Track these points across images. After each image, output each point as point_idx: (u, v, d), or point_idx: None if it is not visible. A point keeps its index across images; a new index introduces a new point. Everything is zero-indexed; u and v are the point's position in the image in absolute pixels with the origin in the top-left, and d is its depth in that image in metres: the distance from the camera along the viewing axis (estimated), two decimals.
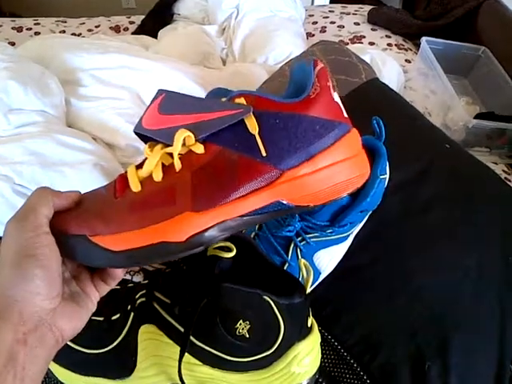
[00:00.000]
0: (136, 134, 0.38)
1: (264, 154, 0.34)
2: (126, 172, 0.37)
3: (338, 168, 0.37)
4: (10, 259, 0.30)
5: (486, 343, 0.52)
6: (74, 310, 0.33)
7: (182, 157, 0.35)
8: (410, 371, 0.49)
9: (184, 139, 0.34)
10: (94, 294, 0.36)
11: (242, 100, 0.36)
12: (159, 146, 0.36)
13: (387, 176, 0.54)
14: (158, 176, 0.35)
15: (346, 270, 0.55)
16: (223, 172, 0.34)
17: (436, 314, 0.51)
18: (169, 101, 0.38)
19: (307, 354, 0.43)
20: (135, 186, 0.35)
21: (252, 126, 0.35)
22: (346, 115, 0.38)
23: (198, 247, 0.34)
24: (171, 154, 0.35)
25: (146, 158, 0.36)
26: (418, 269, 0.54)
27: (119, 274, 0.37)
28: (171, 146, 0.34)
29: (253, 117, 0.35)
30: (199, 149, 0.35)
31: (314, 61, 0.37)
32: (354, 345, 0.52)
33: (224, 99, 0.37)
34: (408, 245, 0.56)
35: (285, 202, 0.36)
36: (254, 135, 0.35)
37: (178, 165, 0.35)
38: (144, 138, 0.38)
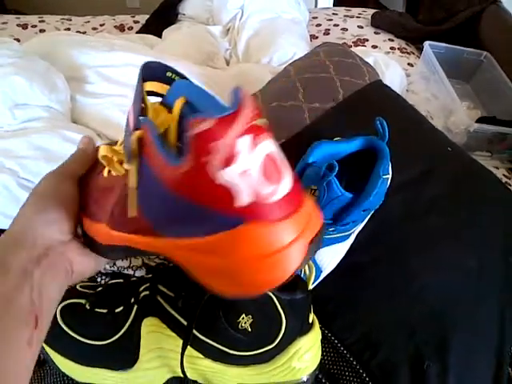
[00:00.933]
0: None
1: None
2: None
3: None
4: (34, 198, 0.34)
5: (485, 344, 0.52)
6: (84, 250, 0.36)
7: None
8: (410, 370, 0.50)
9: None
10: None
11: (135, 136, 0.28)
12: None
13: (389, 176, 0.55)
14: (105, 171, 0.34)
15: (348, 269, 0.55)
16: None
17: (436, 313, 0.52)
18: None
19: (308, 350, 0.43)
20: (105, 171, 0.34)
21: (131, 180, 0.30)
22: (240, 204, 0.25)
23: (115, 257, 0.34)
24: None
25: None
26: (420, 269, 0.54)
27: None
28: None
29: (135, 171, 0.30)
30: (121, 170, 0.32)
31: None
32: (354, 343, 0.52)
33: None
34: (410, 245, 0.56)
35: None
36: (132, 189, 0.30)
37: (116, 171, 0.32)
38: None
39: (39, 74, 0.69)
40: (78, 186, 0.36)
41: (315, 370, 0.45)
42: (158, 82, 0.33)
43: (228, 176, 0.25)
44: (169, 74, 0.33)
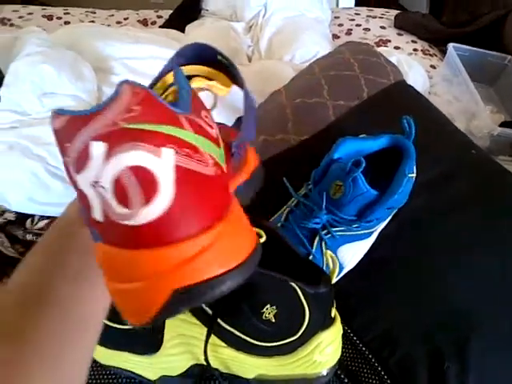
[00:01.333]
0: None
1: None
2: None
3: None
4: None
5: (506, 347, 0.52)
6: None
7: None
8: (428, 369, 0.50)
9: None
10: None
11: None
12: None
13: (414, 175, 0.54)
14: None
15: (369, 266, 0.55)
16: None
17: (458, 314, 0.52)
18: None
19: (329, 344, 0.43)
20: None
21: None
22: (94, 218, 0.22)
23: None
24: None
25: None
26: (444, 269, 0.54)
27: None
28: None
29: None
30: None
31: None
32: (373, 340, 0.52)
33: None
34: (433, 245, 0.56)
35: None
36: None
37: None
38: None
39: (67, 63, 0.70)
40: None
41: (335, 364, 0.45)
42: (206, 65, 0.31)
43: (80, 183, 0.21)
44: (219, 57, 0.31)
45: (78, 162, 0.21)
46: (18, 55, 0.71)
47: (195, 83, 0.30)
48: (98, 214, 0.21)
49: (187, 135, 0.22)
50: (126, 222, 0.21)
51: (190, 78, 0.32)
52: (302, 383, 0.44)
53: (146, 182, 0.20)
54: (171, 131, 0.21)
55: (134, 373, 0.44)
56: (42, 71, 0.67)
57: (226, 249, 0.23)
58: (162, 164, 0.20)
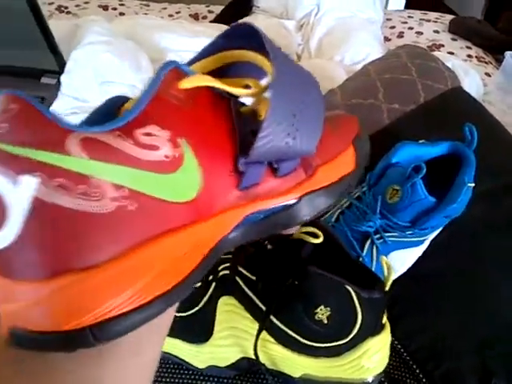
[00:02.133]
0: None
1: None
2: None
3: None
4: None
5: None
6: None
7: None
8: None
9: None
10: None
11: None
12: None
13: (473, 184, 0.53)
14: None
15: (419, 274, 0.54)
16: None
17: (510, 329, 0.50)
18: None
19: (378, 351, 0.43)
20: None
21: None
22: None
23: None
24: None
25: None
26: (498, 282, 0.52)
27: None
28: None
29: None
30: None
31: None
32: (419, 350, 0.51)
33: None
34: (488, 257, 0.54)
35: None
36: None
37: None
38: None
39: (128, 53, 0.72)
40: None
41: (381, 372, 0.44)
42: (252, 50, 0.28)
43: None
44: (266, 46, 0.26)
45: None
46: (79, 43, 0.73)
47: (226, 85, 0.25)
48: None
49: (68, 162, 0.19)
50: None
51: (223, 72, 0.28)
52: None
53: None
54: (40, 156, 0.18)
55: (182, 359, 0.45)
56: (104, 60, 0.68)
57: (60, 308, 0.19)
58: (16, 193, 0.18)
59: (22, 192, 0.18)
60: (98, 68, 0.68)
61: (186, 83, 0.23)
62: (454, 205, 0.48)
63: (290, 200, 0.29)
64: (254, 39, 0.26)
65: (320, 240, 0.41)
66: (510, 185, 0.60)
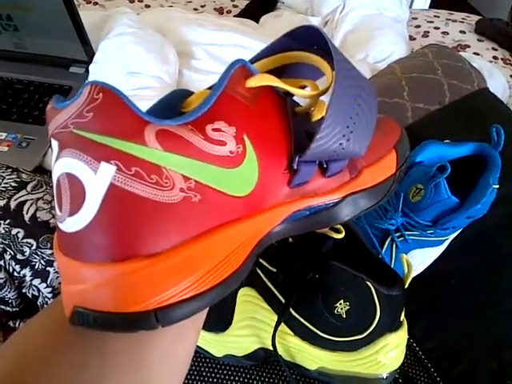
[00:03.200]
0: None
1: None
2: None
3: None
4: None
5: None
6: None
7: None
8: None
9: None
10: None
11: None
12: None
13: (497, 186, 0.52)
14: None
15: (437, 274, 0.54)
16: None
17: None
18: None
19: (395, 347, 0.43)
20: None
21: None
22: None
23: None
24: None
25: None
26: None
27: None
28: None
29: None
30: None
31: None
32: (433, 349, 0.52)
33: None
34: (505, 260, 0.54)
35: None
36: None
37: None
38: None
39: (155, 45, 0.73)
40: None
41: (396, 369, 0.45)
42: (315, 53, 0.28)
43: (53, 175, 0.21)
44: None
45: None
46: (108, 34, 0.74)
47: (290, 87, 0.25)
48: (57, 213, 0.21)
49: (145, 152, 0.20)
50: (60, 226, 0.21)
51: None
52: (360, 382, 0.44)
53: (76, 192, 0.19)
54: (120, 145, 0.19)
55: (199, 347, 0.46)
56: (132, 51, 0.69)
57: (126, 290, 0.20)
58: (95, 179, 0.19)
59: (100, 178, 0.19)
60: (125, 59, 0.69)
61: (253, 82, 0.24)
62: (477, 206, 0.48)
63: (334, 199, 0.30)
64: (317, 41, 0.27)
65: (342, 235, 0.41)
66: None
